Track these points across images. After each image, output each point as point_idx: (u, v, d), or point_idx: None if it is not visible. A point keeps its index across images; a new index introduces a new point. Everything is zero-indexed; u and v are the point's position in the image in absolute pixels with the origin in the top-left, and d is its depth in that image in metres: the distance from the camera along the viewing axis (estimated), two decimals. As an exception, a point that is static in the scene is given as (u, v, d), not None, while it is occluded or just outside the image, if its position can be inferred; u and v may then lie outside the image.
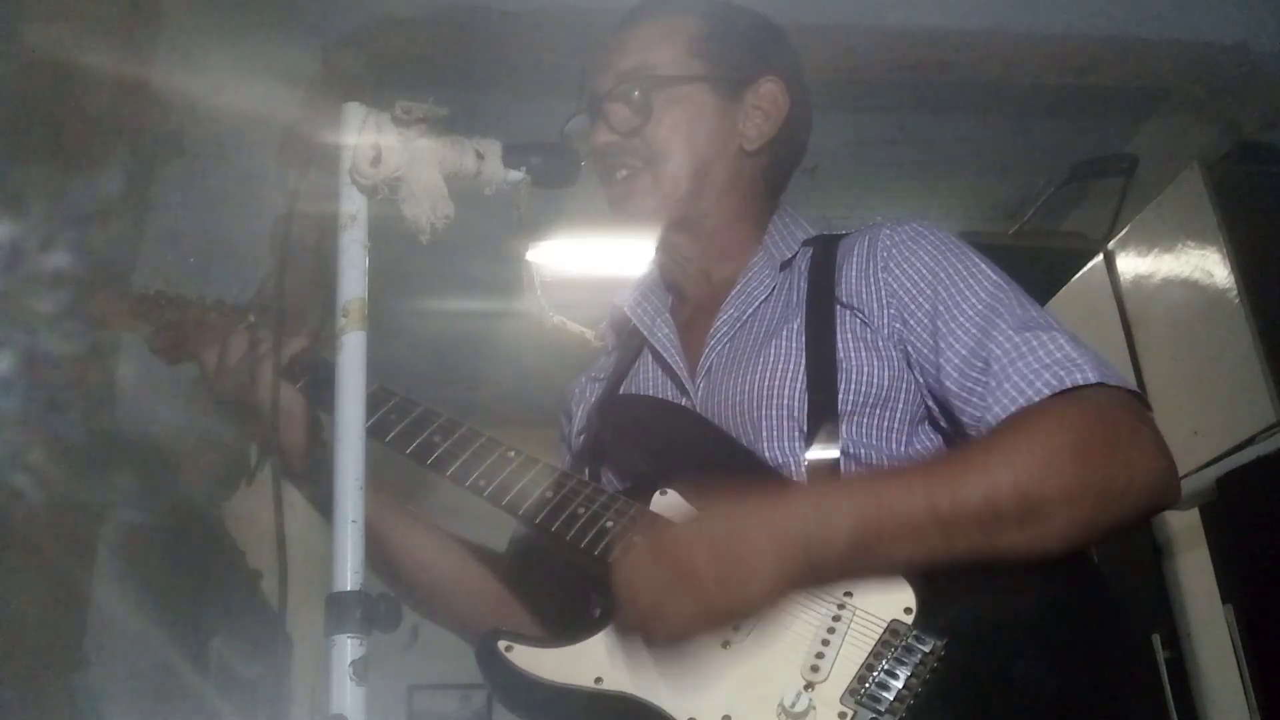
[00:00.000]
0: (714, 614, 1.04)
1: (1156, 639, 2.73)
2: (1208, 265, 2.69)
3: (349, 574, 0.93)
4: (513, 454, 1.23)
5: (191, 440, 2.46)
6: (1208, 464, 2.60)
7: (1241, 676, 2.42)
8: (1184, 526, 2.72)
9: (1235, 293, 2.58)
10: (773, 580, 1.03)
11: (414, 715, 5.22)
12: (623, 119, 1.38)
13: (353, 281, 1.04)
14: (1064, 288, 3.28)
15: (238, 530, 2.83)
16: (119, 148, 2.10)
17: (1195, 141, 3.33)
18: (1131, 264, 3.00)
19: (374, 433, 1.04)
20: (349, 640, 0.91)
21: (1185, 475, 2.65)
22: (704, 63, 1.39)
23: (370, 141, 1.07)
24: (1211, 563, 2.58)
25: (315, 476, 1.31)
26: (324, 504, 1.18)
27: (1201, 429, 2.67)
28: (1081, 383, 1.11)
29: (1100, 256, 3.14)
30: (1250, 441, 2.51)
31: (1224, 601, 2.50)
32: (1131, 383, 1.15)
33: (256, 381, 1.31)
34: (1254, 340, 2.53)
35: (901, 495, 1.05)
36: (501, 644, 1.10)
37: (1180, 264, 2.80)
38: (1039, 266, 3.39)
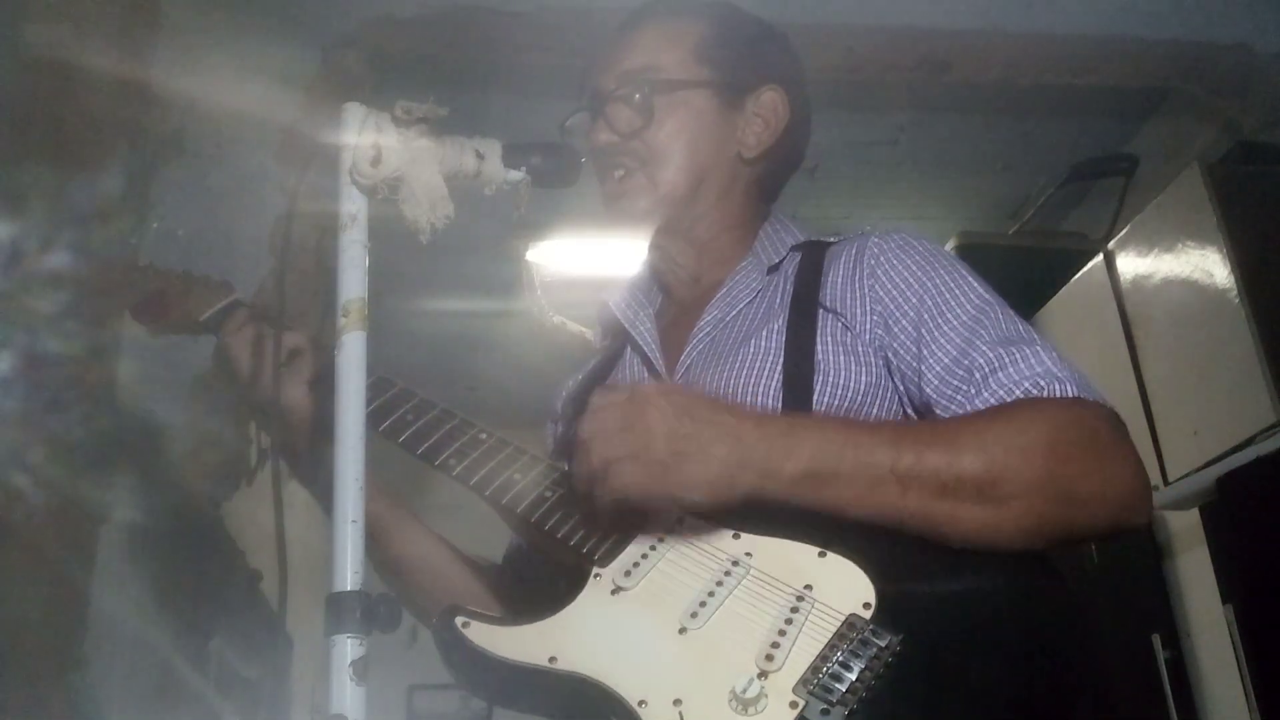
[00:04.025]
0: (654, 487, 1.06)
1: (1156, 639, 2.73)
2: (1208, 265, 2.69)
3: (349, 574, 0.94)
4: (485, 436, 1.24)
5: (191, 440, 2.46)
6: (1208, 464, 2.60)
7: (1241, 676, 2.43)
8: (1184, 526, 2.72)
9: (1235, 293, 2.58)
10: (718, 481, 1.05)
11: (414, 715, 5.22)
12: (624, 120, 1.38)
13: (353, 281, 1.04)
14: (1064, 288, 3.28)
15: (238, 530, 2.83)
16: (119, 148, 2.10)
17: (1195, 141, 3.33)
18: (1131, 264, 3.00)
19: None
20: (349, 640, 0.91)
21: (1185, 475, 2.65)
22: (708, 68, 1.40)
23: (370, 141, 1.07)
24: (1211, 563, 2.58)
25: (316, 467, 1.31)
26: (321, 493, 1.19)
27: (1201, 429, 2.67)
28: (1059, 395, 1.11)
29: (1100, 256, 3.14)
30: (1250, 441, 2.51)
31: (1224, 601, 2.50)
32: (1110, 401, 1.15)
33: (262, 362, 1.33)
34: (1254, 340, 2.53)
35: (867, 440, 1.07)
36: (459, 620, 1.10)
37: (1180, 264, 2.80)
38: (1039, 266, 3.39)
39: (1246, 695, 2.42)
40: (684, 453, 1.05)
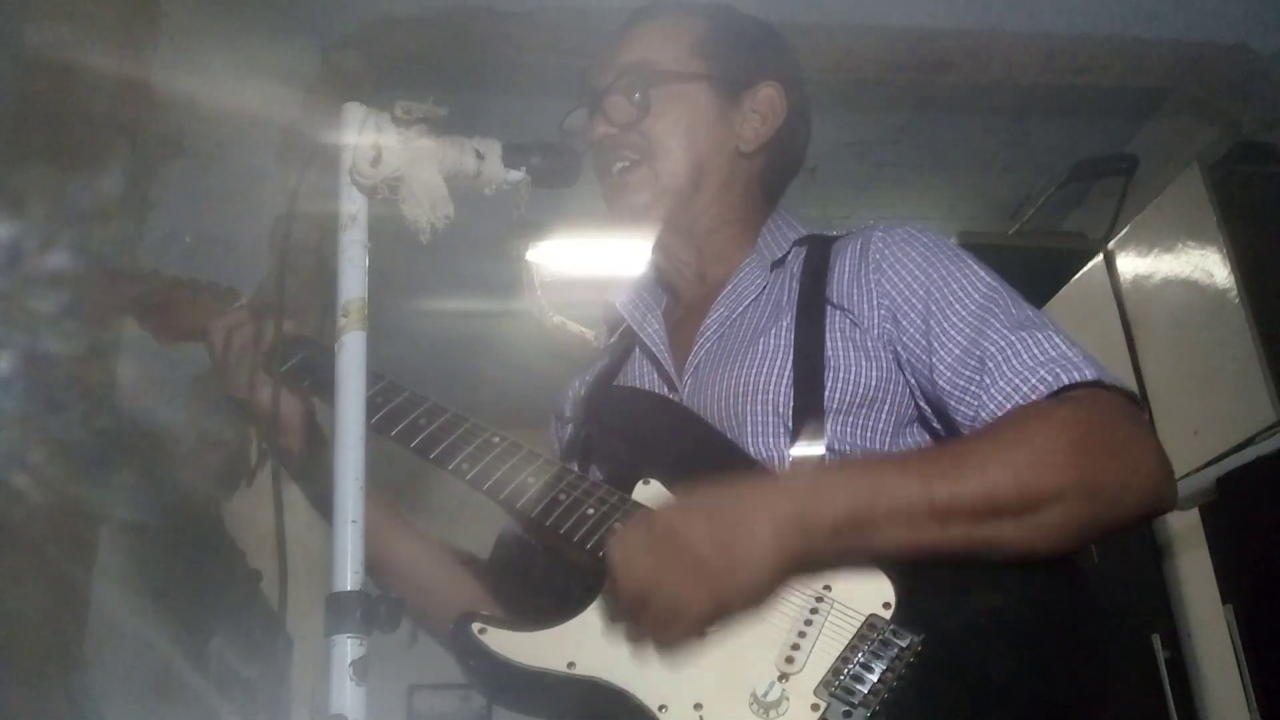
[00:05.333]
0: (722, 601, 1.02)
1: (1156, 639, 2.73)
2: (1208, 265, 2.68)
3: (349, 574, 0.93)
4: (497, 440, 1.23)
5: (191, 440, 2.46)
6: (1208, 464, 2.60)
7: (1241, 676, 2.42)
8: (1184, 526, 2.72)
9: (1235, 293, 2.58)
10: (774, 563, 1.03)
11: (414, 715, 5.22)
12: (622, 112, 1.39)
13: (353, 281, 1.04)
14: (1064, 288, 3.28)
15: (238, 530, 2.83)
16: (119, 148, 2.10)
17: (1195, 141, 3.33)
18: (1131, 264, 3.00)
19: None
20: (349, 640, 0.91)
21: (1185, 475, 2.65)
22: (705, 62, 1.40)
23: (370, 141, 1.07)
24: (1211, 563, 2.58)
25: (310, 469, 1.31)
26: (320, 498, 1.18)
27: (1201, 429, 2.67)
28: (1078, 380, 1.11)
29: (1100, 256, 3.14)
30: (1250, 441, 2.51)
31: (1224, 601, 2.50)
32: (1127, 383, 1.15)
33: (250, 361, 1.33)
34: (1254, 340, 2.53)
35: (898, 482, 1.05)
36: (475, 626, 1.10)
37: (1180, 264, 2.80)
38: (1039, 266, 3.39)
39: (1246, 695, 2.41)
40: (731, 551, 1.02)
